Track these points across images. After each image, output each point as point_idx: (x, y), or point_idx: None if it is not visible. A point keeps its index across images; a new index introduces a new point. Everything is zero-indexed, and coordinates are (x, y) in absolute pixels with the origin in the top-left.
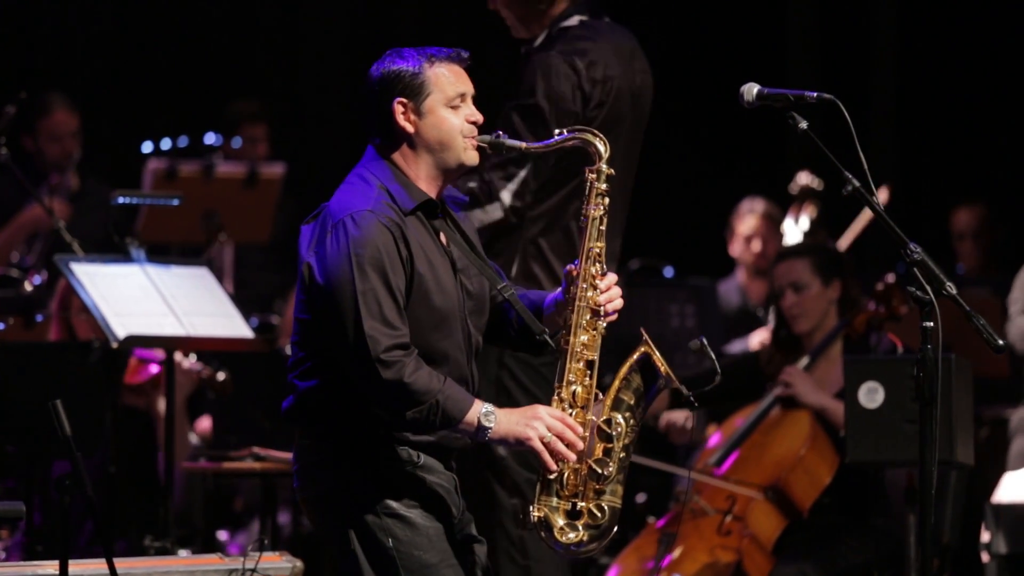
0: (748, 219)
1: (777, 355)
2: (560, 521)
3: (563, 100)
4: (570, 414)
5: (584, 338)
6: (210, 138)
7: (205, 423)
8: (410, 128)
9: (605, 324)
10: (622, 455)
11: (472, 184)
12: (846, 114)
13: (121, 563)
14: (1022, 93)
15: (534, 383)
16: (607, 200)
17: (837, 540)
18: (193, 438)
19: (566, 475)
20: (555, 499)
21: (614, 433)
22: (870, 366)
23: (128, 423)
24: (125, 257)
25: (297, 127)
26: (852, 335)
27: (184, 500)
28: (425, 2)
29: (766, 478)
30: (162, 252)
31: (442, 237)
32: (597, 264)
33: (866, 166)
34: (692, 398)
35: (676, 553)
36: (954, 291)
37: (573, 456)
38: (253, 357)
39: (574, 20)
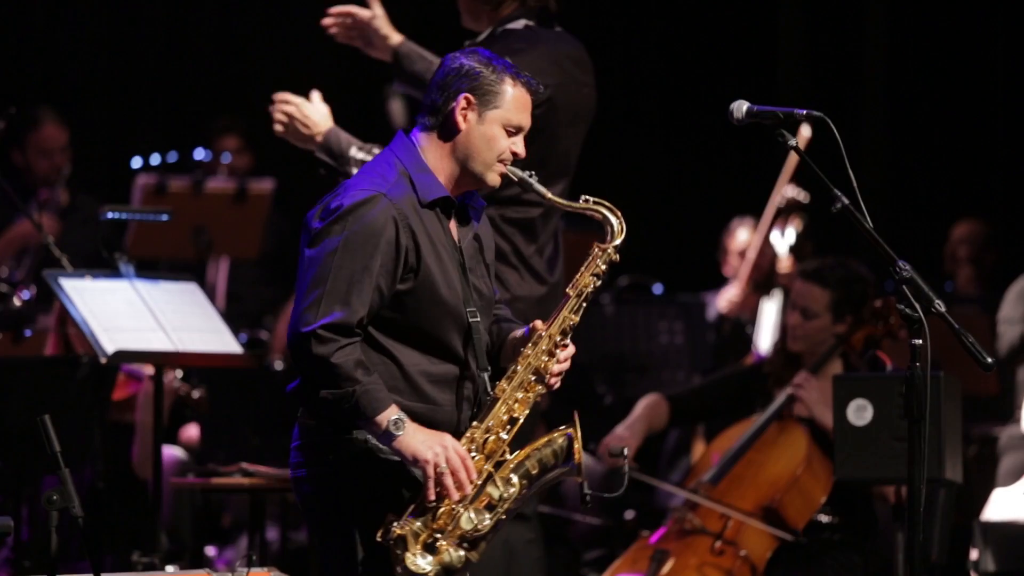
0: (740, 233)
1: (780, 364)
2: (415, 548)
3: None
4: (473, 457)
5: (519, 395)
6: (199, 153)
7: (192, 431)
8: (463, 125)
9: (543, 391)
10: (502, 518)
11: None
12: (835, 131)
13: None
14: (1015, 110)
15: None
16: (599, 281)
17: (830, 558)
18: (178, 451)
19: (441, 510)
20: (419, 525)
21: (504, 494)
22: (859, 383)
23: (116, 438)
24: (114, 272)
25: (286, 143)
26: (850, 352)
27: (172, 515)
28: (413, 20)
29: (761, 498)
30: (151, 267)
31: (454, 234)
32: (565, 335)
33: (855, 183)
34: (589, 499)
35: (667, 568)
36: (943, 309)
37: (456, 495)
38: (242, 373)
39: (519, 24)
